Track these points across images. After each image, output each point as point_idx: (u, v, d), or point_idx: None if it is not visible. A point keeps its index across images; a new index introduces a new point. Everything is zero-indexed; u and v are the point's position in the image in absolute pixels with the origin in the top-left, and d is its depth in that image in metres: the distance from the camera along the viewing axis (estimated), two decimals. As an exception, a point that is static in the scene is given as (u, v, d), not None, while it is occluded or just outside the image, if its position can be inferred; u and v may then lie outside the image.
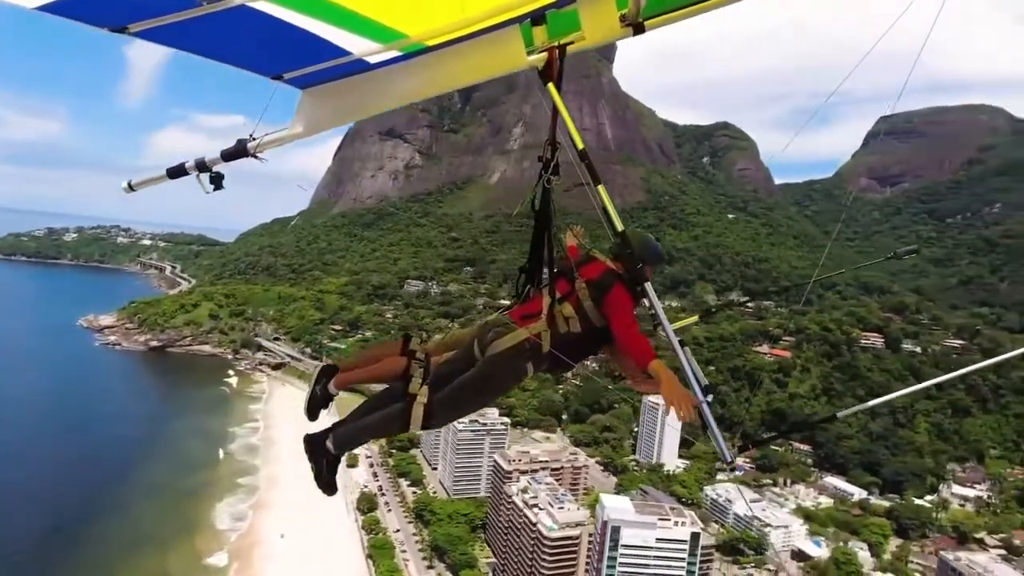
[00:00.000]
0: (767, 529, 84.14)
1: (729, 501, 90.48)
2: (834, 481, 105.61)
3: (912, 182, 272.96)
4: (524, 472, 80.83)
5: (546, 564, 66.99)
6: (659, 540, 62.92)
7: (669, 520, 65.05)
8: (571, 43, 3.48)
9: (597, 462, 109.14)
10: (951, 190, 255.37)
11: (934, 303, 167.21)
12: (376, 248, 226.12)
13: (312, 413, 4.41)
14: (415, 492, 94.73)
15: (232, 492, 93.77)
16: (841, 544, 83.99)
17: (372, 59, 3.27)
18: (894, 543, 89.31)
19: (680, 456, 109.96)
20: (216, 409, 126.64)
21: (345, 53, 3.13)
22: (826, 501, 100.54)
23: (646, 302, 3.61)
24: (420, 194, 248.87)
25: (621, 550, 61.69)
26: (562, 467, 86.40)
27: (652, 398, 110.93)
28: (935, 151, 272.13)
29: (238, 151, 3.48)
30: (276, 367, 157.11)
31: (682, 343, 3.32)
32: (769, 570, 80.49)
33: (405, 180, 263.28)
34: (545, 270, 4.15)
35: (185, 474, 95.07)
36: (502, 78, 4.10)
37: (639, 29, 3.27)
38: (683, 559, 63.08)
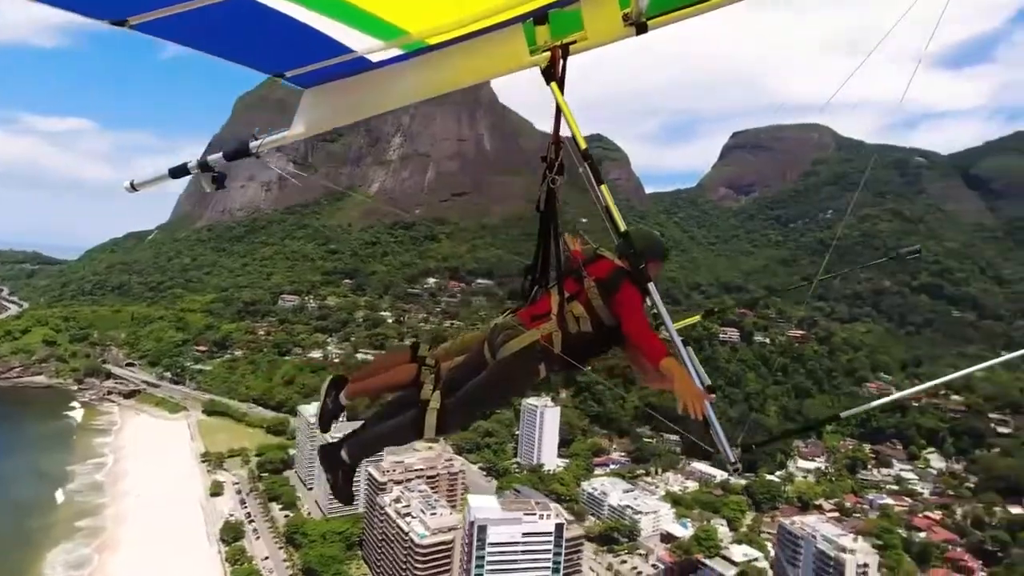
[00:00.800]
0: (638, 516, 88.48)
1: (604, 494, 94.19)
2: (699, 466, 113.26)
3: (762, 191, 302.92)
4: (399, 482, 78.85)
5: (419, 571, 65.60)
6: (525, 535, 63.96)
7: (535, 515, 66.33)
8: (574, 42, 3.38)
9: (480, 467, 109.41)
10: (793, 198, 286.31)
11: (781, 299, 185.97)
12: (247, 263, 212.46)
13: (324, 425, 4.36)
14: (287, 515, 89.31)
15: (69, 537, 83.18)
16: (704, 523, 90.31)
17: (373, 57, 3.23)
18: (750, 516, 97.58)
19: (560, 455, 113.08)
20: (54, 446, 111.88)
21: (347, 50, 3.08)
22: (692, 485, 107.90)
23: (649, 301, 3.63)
24: (295, 206, 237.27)
25: (489, 548, 61.92)
26: (438, 474, 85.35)
27: (530, 401, 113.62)
28: (779, 164, 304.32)
29: (241, 150, 3.46)
30: (129, 395, 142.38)
31: (684, 342, 3.30)
32: (640, 554, 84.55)
33: (279, 191, 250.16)
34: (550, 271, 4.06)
35: (10, 522, 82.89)
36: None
37: (642, 29, 3.24)
38: (549, 551, 64.53)
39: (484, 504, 68.73)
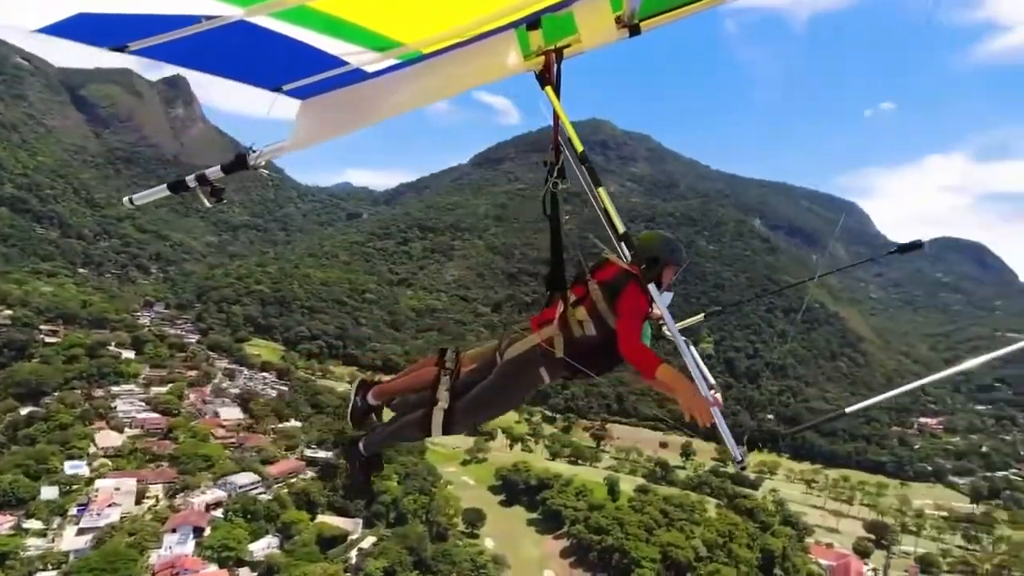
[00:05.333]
0: None
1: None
2: None
3: None
4: None
5: None
6: None
7: None
8: (568, 46, 3.37)
9: None
10: None
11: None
12: None
13: (354, 423, 4.62)
14: None
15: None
16: None
17: (369, 68, 3.26)
18: None
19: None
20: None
21: (343, 63, 3.13)
22: None
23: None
24: None
25: None
26: None
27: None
28: None
29: (238, 163, 3.43)
30: None
31: (687, 342, 3.28)
32: None
33: None
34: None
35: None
36: None
37: (635, 30, 3.27)
38: None
39: None
